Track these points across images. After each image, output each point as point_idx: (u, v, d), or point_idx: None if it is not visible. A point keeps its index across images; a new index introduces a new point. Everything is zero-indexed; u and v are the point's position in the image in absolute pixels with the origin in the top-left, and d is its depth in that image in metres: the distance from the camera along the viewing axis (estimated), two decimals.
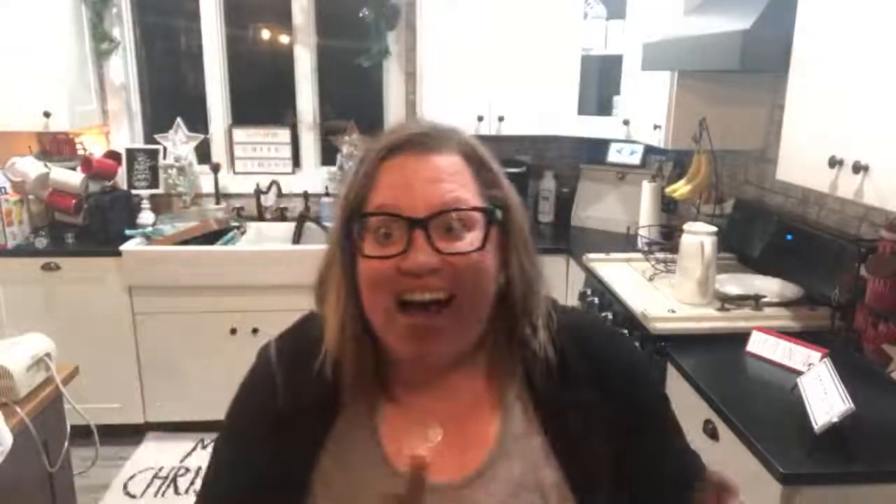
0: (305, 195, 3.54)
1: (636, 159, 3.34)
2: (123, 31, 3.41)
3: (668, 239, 2.80)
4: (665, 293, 2.28)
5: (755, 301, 2.11)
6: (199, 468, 2.97)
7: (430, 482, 0.68)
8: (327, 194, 3.51)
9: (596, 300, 2.57)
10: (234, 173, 3.60)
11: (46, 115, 3.00)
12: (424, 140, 0.74)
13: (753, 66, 1.91)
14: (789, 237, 2.29)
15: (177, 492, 2.84)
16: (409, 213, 0.71)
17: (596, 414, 0.78)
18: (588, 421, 0.77)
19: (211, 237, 3.13)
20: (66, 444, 1.82)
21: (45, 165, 3.19)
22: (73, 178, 3.15)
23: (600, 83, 3.35)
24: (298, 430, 0.77)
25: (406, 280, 0.70)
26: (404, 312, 0.71)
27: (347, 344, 0.76)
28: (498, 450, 0.76)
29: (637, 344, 2.13)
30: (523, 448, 0.76)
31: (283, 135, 3.57)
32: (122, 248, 3.01)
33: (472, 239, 0.72)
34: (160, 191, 3.45)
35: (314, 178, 3.60)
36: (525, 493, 0.75)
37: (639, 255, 2.68)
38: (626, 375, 0.82)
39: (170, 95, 3.71)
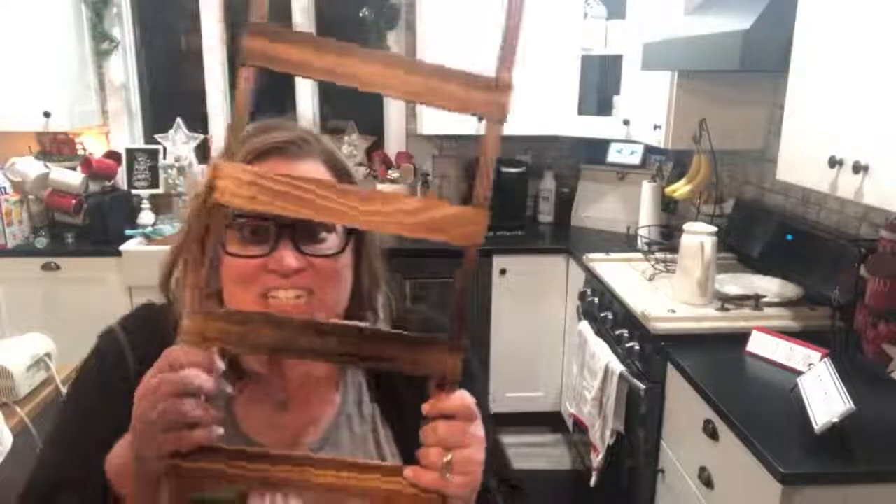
0: None
1: (636, 159, 3.34)
2: (123, 31, 3.41)
3: (668, 239, 2.80)
4: (665, 293, 2.28)
5: (755, 301, 2.12)
6: None
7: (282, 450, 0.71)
8: None
9: (596, 300, 2.58)
10: None
11: (46, 115, 3.01)
12: (289, 147, 0.79)
13: (753, 66, 1.91)
14: (789, 237, 2.29)
15: None
16: (276, 217, 0.71)
17: (419, 386, 0.78)
18: (412, 390, 0.78)
19: None
20: None
21: (45, 165, 3.19)
22: (73, 178, 3.15)
23: (600, 83, 3.35)
24: None
25: (271, 278, 0.75)
26: (269, 303, 0.76)
27: None
28: (341, 416, 0.86)
29: (637, 345, 2.13)
30: (361, 413, 0.87)
31: None
32: (122, 248, 3.01)
33: (332, 243, 0.78)
34: (160, 191, 3.45)
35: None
36: (365, 449, 0.85)
37: (639, 255, 2.68)
38: None
39: (170, 95, 3.71)
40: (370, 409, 0.87)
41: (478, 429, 0.70)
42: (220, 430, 0.64)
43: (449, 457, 0.66)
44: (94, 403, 0.84)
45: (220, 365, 0.64)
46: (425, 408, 0.67)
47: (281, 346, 0.64)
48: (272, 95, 3.73)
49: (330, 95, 3.65)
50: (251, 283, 0.76)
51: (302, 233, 0.76)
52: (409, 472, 0.66)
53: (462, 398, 0.68)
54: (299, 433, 0.84)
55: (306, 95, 3.58)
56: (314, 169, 0.79)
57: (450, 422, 0.67)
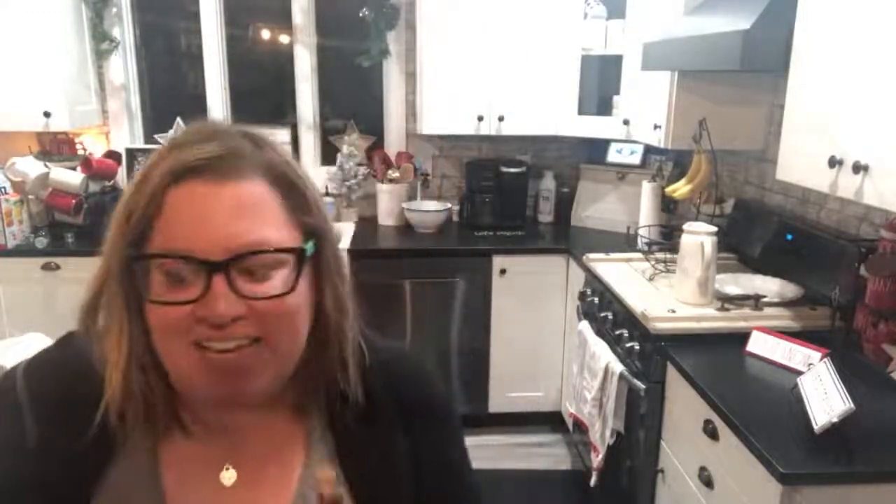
0: None
1: (636, 159, 3.34)
2: (123, 31, 3.41)
3: (668, 239, 2.80)
4: (665, 293, 2.28)
5: (755, 301, 2.11)
6: None
7: None
8: (328, 194, 3.51)
9: (596, 300, 2.58)
10: None
11: (46, 115, 3.00)
12: (219, 165, 0.63)
13: (753, 66, 1.91)
14: (789, 237, 2.29)
15: None
16: (204, 255, 0.60)
17: (399, 458, 0.75)
18: (391, 466, 0.74)
19: None
20: None
21: (45, 165, 3.18)
22: (73, 178, 3.15)
23: (600, 83, 3.35)
24: (56, 478, 0.65)
25: (203, 328, 0.61)
26: (205, 353, 0.62)
27: (133, 379, 0.65)
28: (298, 495, 0.71)
29: (637, 345, 2.13)
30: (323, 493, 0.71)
31: (283, 135, 3.57)
32: None
33: (280, 280, 0.63)
34: None
35: (314, 178, 3.55)
36: None
37: (639, 255, 2.68)
38: (427, 414, 0.79)
39: (170, 95, 3.71)
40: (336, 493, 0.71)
41: None
42: None
43: None
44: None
45: None
46: None
47: None
48: (272, 96, 3.75)
49: (330, 96, 3.65)
50: (181, 333, 0.62)
51: (239, 272, 0.62)
52: None
53: None
54: None
55: (306, 95, 3.58)
56: (252, 190, 0.63)
57: None
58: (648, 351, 2.05)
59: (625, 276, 2.51)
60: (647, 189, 2.96)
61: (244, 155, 0.64)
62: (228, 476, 0.70)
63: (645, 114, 2.76)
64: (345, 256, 0.66)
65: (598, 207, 3.47)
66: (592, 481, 2.37)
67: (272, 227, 0.64)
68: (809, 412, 1.47)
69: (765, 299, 2.14)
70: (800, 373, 1.68)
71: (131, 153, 3.42)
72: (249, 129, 0.69)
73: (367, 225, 3.49)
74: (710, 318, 2.06)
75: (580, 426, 2.58)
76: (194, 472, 0.69)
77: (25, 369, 0.71)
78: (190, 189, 0.62)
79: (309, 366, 0.70)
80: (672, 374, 1.92)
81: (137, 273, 0.62)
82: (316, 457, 0.72)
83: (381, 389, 0.75)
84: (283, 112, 3.67)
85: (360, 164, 3.49)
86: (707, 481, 1.68)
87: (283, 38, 3.61)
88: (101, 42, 3.32)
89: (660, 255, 2.57)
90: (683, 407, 1.85)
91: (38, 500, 0.64)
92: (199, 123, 0.69)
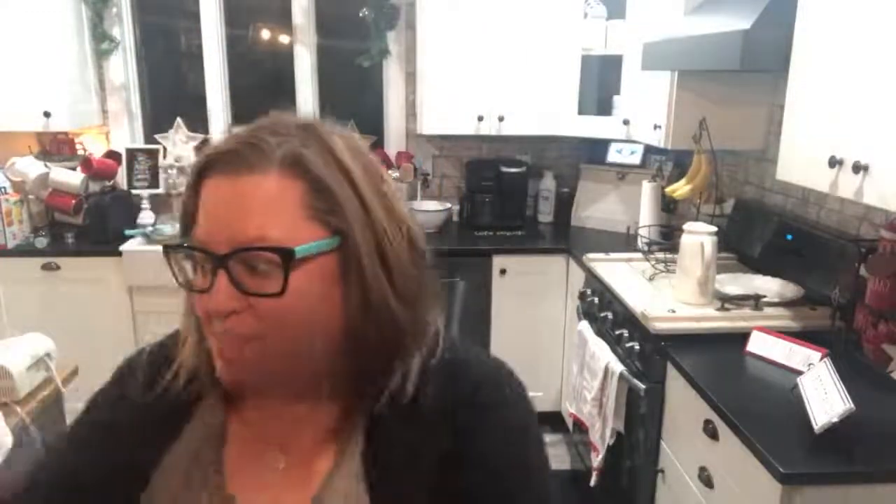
0: None
1: (636, 159, 3.34)
2: (123, 31, 3.41)
3: (668, 239, 2.80)
4: (665, 293, 2.28)
5: (755, 301, 2.11)
6: None
7: None
8: None
9: (596, 300, 2.58)
10: None
11: (46, 115, 3.01)
12: (233, 158, 0.64)
13: (753, 66, 1.91)
14: (789, 237, 2.29)
15: None
16: (213, 247, 0.63)
17: (431, 460, 0.70)
18: (418, 467, 0.69)
19: None
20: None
21: (45, 165, 3.19)
22: (73, 178, 3.15)
23: (600, 83, 3.35)
24: (148, 428, 0.74)
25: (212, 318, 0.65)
26: (215, 341, 0.67)
27: (194, 356, 0.74)
28: (327, 486, 0.71)
29: (637, 345, 2.13)
30: (348, 488, 0.70)
31: None
32: (122, 248, 3.00)
33: (278, 278, 0.63)
34: (160, 191, 3.44)
35: None
36: None
37: (639, 255, 2.68)
38: (478, 424, 0.71)
39: (170, 95, 3.71)
40: (360, 487, 0.70)
41: None
42: None
43: None
44: (93, 420, 0.79)
45: None
46: None
47: None
48: (272, 96, 3.74)
49: (330, 96, 3.65)
50: (205, 322, 0.67)
51: (242, 267, 0.63)
52: None
53: None
54: (288, 492, 0.72)
55: (306, 95, 3.58)
56: (264, 184, 0.63)
57: None
58: (648, 351, 2.05)
59: (625, 276, 2.51)
60: (647, 189, 2.96)
61: (262, 148, 0.64)
62: (276, 459, 0.73)
63: (645, 114, 2.76)
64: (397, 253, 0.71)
65: (598, 207, 3.47)
66: (592, 481, 2.37)
67: (280, 223, 0.63)
68: (809, 412, 1.47)
69: (765, 299, 2.14)
70: (800, 373, 1.68)
71: (131, 153, 3.42)
72: (311, 121, 0.73)
73: None
74: (710, 318, 2.06)
75: (580, 426, 2.58)
76: (251, 450, 0.74)
77: (141, 351, 0.82)
78: (214, 182, 0.65)
79: (348, 362, 0.70)
80: (672, 374, 1.92)
81: (178, 260, 0.67)
82: (350, 450, 0.71)
83: (436, 390, 0.71)
84: (282, 112, 3.67)
85: None
86: (707, 481, 1.68)
87: (283, 38, 3.61)
88: (101, 42, 3.32)
89: (660, 255, 2.58)
90: (683, 407, 1.85)
91: (130, 439, 0.74)
92: (273, 114, 0.73)
